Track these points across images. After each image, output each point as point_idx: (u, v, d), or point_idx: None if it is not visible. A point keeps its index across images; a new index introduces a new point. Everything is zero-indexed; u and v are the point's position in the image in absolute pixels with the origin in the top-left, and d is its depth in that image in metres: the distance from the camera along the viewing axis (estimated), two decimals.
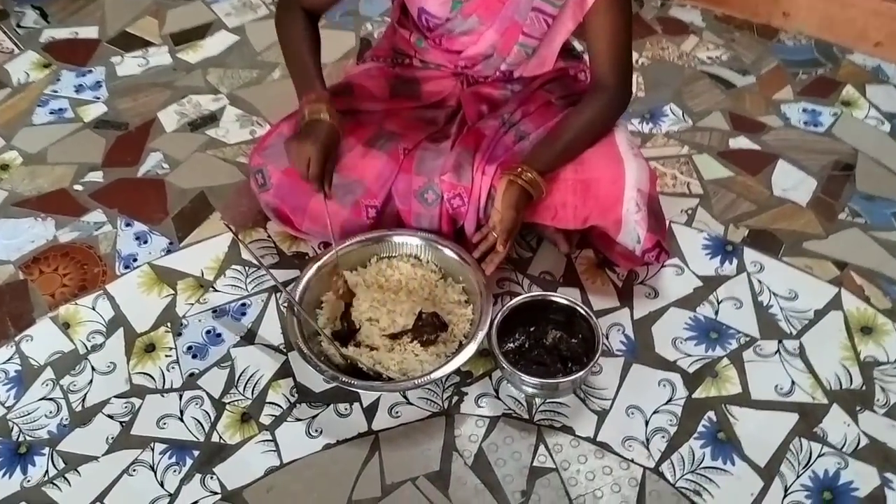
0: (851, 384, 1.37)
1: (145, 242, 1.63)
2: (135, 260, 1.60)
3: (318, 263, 1.43)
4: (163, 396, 1.38)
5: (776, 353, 1.41)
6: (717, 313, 1.47)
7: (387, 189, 1.44)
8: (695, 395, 1.36)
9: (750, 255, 1.57)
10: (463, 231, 1.46)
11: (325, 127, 1.35)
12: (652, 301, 1.50)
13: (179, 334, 1.47)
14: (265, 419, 1.34)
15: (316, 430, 1.33)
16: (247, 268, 1.57)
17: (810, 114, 1.88)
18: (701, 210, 1.66)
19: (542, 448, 1.30)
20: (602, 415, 1.34)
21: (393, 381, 1.29)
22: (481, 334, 1.31)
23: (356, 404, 1.36)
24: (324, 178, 1.36)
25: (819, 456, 1.28)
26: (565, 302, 1.37)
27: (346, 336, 1.38)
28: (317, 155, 1.32)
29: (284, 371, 1.41)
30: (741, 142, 1.82)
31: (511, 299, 1.38)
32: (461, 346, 1.34)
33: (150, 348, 1.45)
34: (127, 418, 1.35)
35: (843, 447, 1.29)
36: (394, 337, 1.37)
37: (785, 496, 1.24)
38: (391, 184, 1.44)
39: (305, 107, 1.37)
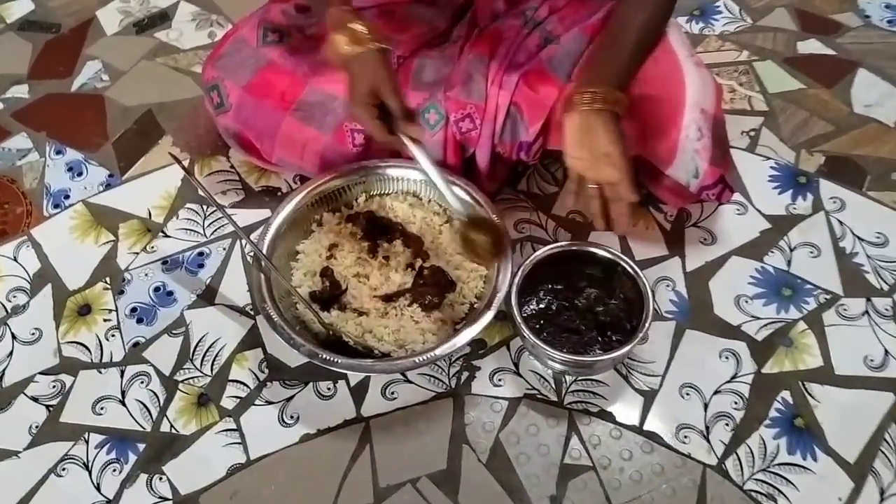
0: None
1: (80, 175, 1.34)
2: (67, 197, 1.31)
3: (294, 202, 1.14)
4: (100, 373, 1.12)
5: (864, 314, 1.14)
6: (789, 263, 1.19)
7: None
8: (765, 370, 1.09)
9: (828, 188, 1.28)
10: (474, 161, 1.16)
11: (374, 60, 0.97)
12: (708, 248, 1.21)
13: (121, 292, 1.19)
14: (227, 402, 1.08)
15: (291, 417, 1.06)
16: (205, 207, 1.28)
17: (895, 10, 1.55)
18: (766, 132, 1.36)
19: (574, 440, 1.04)
20: (649, 396, 1.07)
21: (386, 359, 1.03)
22: (499, 297, 1.03)
23: (341, 383, 1.10)
24: (412, 116, 1.01)
25: None
26: (605, 254, 1.07)
27: (329, 297, 1.10)
28: (389, 98, 0.98)
29: (252, 339, 1.14)
30: (812, 45, 1.51)
31: (533, 249, 1.11)
32: (473, 311, 1.09)
33: (85, 310, 1.18)
34: (55, 401, 1.09)
35: None
36: (388, 299, 1.09)
37: (881, 501, 0.98)
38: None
39: (334, 34, 0.98)
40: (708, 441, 1.03)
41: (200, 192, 1.10)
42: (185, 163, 1.33)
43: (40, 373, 1.12)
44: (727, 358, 1.10)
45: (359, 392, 1.09)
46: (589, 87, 0.98)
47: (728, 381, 1.08)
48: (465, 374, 1.10)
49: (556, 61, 1.13)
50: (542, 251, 1.07)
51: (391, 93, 0.97)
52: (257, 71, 1.15)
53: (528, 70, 1.12)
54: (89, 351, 1.13)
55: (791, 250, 1.21)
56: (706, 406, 1.06)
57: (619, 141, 0.97)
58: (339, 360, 0.99)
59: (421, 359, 0.99)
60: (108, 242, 1.25)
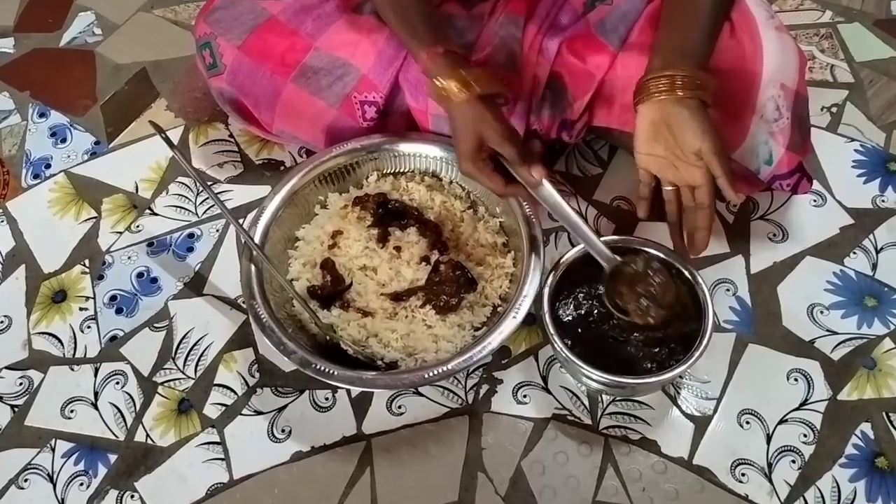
0: None
1: (63, 141, 1.21)
2: (48, 166, 1.18)
3: (294, 180, 1.00)
4: (72, 370, 1.00)
5: None
6: (875, 268, 1.01)
7: (391, 77, 0.99)
8: (841, 397, 0.92)
9: None
10: None
11: (477, 107, 0.85)
12: (778, 246, 1.04)
13: (101, 277, 1.06)
14: (211, 410, 0.95)
15: (282, 431, 0.93)
16: (198, 183, 1.13)
17: None
18: (851, 108, 1.17)
19: (610, 472, 0.89)
20: (701, 423, 0.91)
21: (391, 371, 0.88)
22: (526, 301, 0.87)
23: (341, 393, 0.96)
24: (532, 156, 0.87)
25: None
26: (657, 252, 0.90)
27: (330, 294, 0.96)
28: (499, 145, 0.85)
29: (242, 338, 1.00)
30: None
31: (571, 243, 0.94)
32: (496, 314, 0.94)
33: (60, 297, 1.05)
34: (21, 401, 0.98)
35: None
36: (397, 298, 0.94)
37: None
38: (398, 70, 0.99)
39: (446, 81, 0.85)
40: (770, 481, 0.87)
41: (184, 167, 0.96)
42: (180, 130, 1.18)
43: (7, 367, 1.00)
44: (796, 380, 0.93)
45: (361, 404, 0.94)
46: (667, 70, 0.81)
47: (796, 409, 0.91)
48: (485, 388, 0.95)
49: (607, 25, 0.95)
50: (579, 248, 0.91)
51: (500, 139, 0.84)
52: (255, 28, 1.00)
53: (572, 34, 0.95)
54: (62, 344, 1.01)
55: (877, 252, 1.03)
56: (769, 438, 0.90)
57: (710, 134, 0.81)
58: (336, 372, 0.85)
59: (431, 374, 0.85)
60: (89, 219, 1.11)
